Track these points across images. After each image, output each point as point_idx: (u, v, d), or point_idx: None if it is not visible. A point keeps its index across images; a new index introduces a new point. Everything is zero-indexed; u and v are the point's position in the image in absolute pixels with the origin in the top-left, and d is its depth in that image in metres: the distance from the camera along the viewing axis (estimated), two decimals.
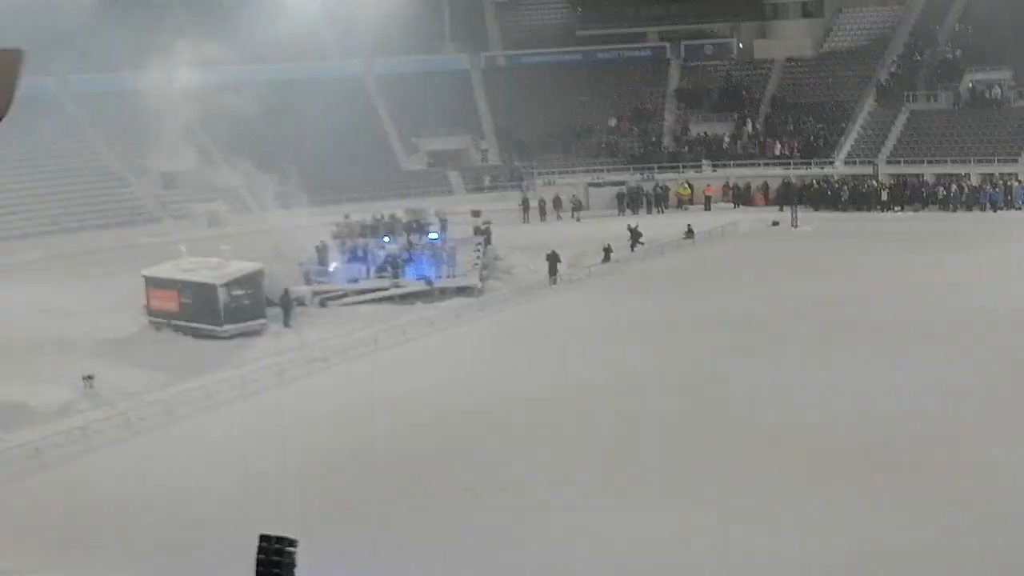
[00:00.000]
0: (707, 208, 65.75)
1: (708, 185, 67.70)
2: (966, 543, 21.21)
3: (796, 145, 70.25)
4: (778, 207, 64.10)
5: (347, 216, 53.16)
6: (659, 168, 69.19)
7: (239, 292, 41.20)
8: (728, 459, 26.25)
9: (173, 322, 41.50)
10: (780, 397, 30.81)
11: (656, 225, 58.79)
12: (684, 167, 69.48)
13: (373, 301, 45.46)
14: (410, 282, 46.61)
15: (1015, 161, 63.94)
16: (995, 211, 61.68)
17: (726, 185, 67.68)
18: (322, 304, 45.22)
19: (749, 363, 34.35)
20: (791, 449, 26.61)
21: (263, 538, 17.85)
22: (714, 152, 70.90)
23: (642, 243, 54.22)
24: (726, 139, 71.84)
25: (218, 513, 24.24)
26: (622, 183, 67.84)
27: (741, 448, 26.88)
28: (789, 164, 68.20)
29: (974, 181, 63.68)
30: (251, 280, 41.76)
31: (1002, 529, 21.69)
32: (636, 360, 35.59)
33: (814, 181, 66.21)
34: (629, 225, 55.49)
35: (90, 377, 34.24)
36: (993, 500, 23.17)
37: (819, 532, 21.94)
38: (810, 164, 67.85)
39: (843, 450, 26.37)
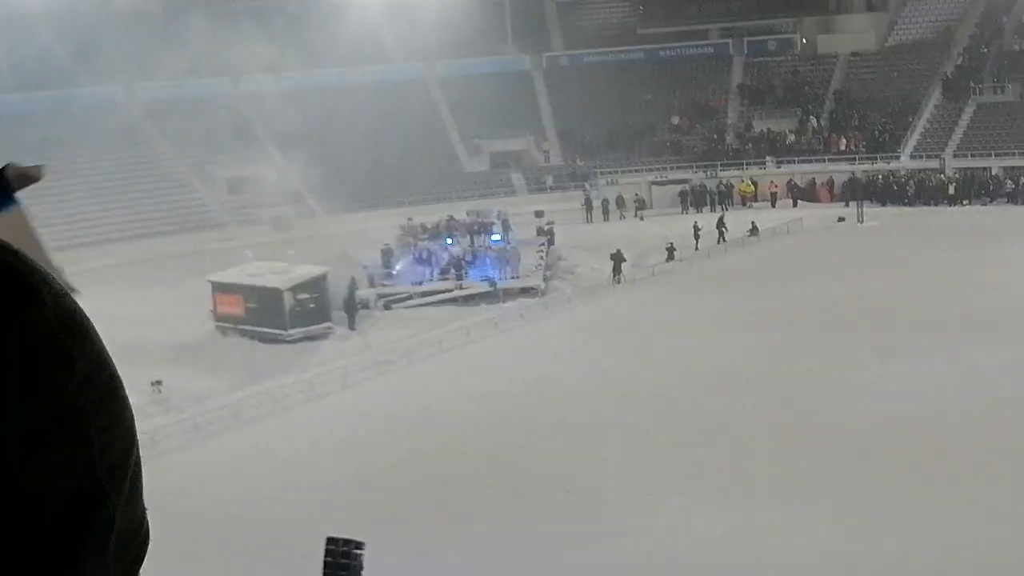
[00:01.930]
0: (773, 205, 65.28)
1: (771, 182, 67.18)
2: None
3: (861, 140, 69.56)
4: (844, 203, 63.56)
5: (410, 219, 53.33)
6: (722, 166, 68.80)
7: (304, 296, 41.43)
8: (815, 456, 26.12)
9: (240, 326, 41.79)
10: (858, 391, 30.68)
11: None
12: (748, 164, 69.05)
13: (437, 303, 45.60)
14: (474, 284, 46.67)
15: None
16: None
17: (789, 182, 67.16)
18: (386, 307, 45.39)
19: (823, 359, 34.10)
20: (875, 444, 26.43)
21: (330, 540, 17.97)
22: (778, 148, 70.36)
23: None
24: (790, 135, 71.26)
25: (286, 516, 24.39)
26: (685, 181, 67.46)
27: (825, 444, 26.74)
28: (854, 159, 67.55)
29: None
30: (316, 284, 42.00)
31: None
32: (707, 357, 35.36)
33: (880, 176, 65.59)
34: (695, 224, 55.20)
35: (158, 382, 34.56)
36: None
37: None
38: (876, 159, 67.13)
39: (934, 444, 26.19)
